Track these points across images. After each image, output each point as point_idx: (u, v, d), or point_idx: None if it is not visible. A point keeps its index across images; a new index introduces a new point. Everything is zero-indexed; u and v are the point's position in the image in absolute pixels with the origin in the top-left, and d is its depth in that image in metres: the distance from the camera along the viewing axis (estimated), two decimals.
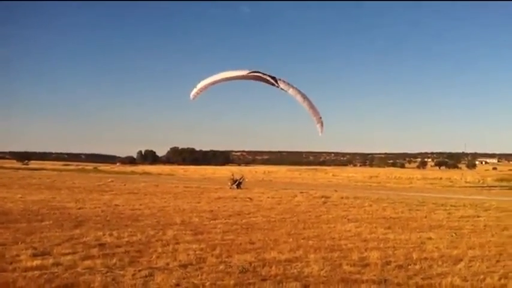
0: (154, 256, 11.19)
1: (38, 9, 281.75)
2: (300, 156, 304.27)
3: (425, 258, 11.64)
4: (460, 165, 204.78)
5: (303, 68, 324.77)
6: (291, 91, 30.22)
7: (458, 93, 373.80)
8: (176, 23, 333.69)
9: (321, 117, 31.48)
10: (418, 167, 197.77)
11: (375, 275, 9.86)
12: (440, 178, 72.78)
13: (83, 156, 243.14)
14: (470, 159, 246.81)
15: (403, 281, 9.47)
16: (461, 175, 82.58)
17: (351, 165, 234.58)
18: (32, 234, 13.97)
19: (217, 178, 62.90)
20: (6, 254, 11.14)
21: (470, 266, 10.91)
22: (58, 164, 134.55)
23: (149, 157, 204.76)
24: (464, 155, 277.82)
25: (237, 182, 39.77)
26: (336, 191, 37.22)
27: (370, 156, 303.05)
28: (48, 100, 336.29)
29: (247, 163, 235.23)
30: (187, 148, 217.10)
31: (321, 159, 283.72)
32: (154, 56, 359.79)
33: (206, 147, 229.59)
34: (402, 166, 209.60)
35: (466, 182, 64.20)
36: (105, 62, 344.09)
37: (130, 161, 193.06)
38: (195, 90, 33.75)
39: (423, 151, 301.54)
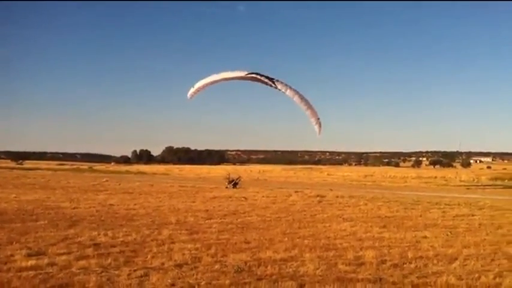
0: (149, 256, 11.17)
1: (34, 9, 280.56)
2: (295, 155, 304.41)
3: (421, 257, 11.67)
4: (454, 164, 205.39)
5: (299, 67, 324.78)
6: (288, 92, 30.22)
7: (453, 92, 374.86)
8: (172, 23, 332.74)
9: (318, 118, 31.52)
10: (413, 166, 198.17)
11: (370, 274, 9.87)
12: (435, 177, 72.93)
13: (78, 156, 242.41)
14: (465, 158, 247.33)
15: (399, 280, 9.49)
16: (455, 174, 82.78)
17: (346, 164, 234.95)
18: (27, 234, 13.92)
19: (212, 177, 62.85)
20: (0, 254, 11.10)
21: (465, 265, 10.94)
22: (53, 164, 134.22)
23: (144, 157, 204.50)
24: (458, 153, 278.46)
25: (233, 182, 39.73)
26: (331, 190, 37.26)
27: (365, 155, 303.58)
28: (43, 100, 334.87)
29: (243, 162, 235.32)
30: (182, 147, 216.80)
31: (316, 158, 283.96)
32: (150, 56, 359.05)
33: (201, 147, 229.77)
34: (397, 165, 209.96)
35: (461, 181, 64.39)
36: (100, 62, 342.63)
37: (125, 160, 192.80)
38: (192, 90, 33.76)
39: (418, 150, 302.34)
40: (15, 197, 25.44)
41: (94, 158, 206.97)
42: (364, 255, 11.75)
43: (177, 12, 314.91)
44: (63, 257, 10.78)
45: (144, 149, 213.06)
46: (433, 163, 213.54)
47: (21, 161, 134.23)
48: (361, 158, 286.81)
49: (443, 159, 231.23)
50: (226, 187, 38.43)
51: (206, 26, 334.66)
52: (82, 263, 10.27)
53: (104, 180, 46.66)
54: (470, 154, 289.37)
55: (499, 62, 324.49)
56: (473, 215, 21.30)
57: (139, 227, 15.77)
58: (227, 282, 9.06)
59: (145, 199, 26.40)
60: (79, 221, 16.98)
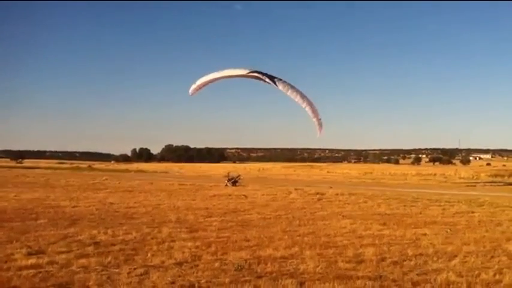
0: (149, 254, 11.15)
1: (33, 8, 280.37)
2: (295, 152, 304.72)
3: (420, 254, 11.66)
4: (454, 161, 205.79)
5: (297, 65, 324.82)
6: (289, 92, 30.18)
7: (452, 89, 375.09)
8: (171, 22, 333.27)
9: (320, 119, 31.52)
10: (413, 163, 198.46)
11: (370, 272, 9.86)
12: (435, 174, 73.02)
13: (77, 155, 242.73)
14: (465, 155, 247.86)
15: (399, 277, 9.48)
16: (455, 171, 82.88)
17: (346, 162, 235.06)
18: (27, 233, 13.91)
19: (212, 175, 62.87)
20: (0, 253, 11.07)
21: (465, 262, 10.93)
22: (52, 163, 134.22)
23: (144, 155, 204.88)
24: (458, 151, 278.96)
25: (233, 180, 39.75)
26: (330, 187, 37.26)
27: (364, 152, 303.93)
28: (42, 99, 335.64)
29: (242, 160, 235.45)
30: (182, 146, 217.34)
31: (316, 156, 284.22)
32: (149, 55, 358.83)
33: (201, 145, 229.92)
34: (397, 162, 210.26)
35: (460, 178, 64.42)
36: (100, 61, 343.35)
37: (124, 159, 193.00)
38: (194, 86, 33.82)
39: (417, 147, 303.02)
40: (15, 196, 25.44)
41: (94, 157, 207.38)
42: (364, 252, 11.75)
43: (176, 11, 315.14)
44: (63, 256, 10.77)
45: (144, 147, 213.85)
46: (433, 160, 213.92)
47: (20, 159, 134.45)
48: (361, 155, 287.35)
49: (443, 156, 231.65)
50: (226, 185, 38.43)
51: (204, 25, 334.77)
52: (82, 261, 10.26)
53: (104, 178, 46.66)
54: (469, 151, 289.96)
55: (498, 59, 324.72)
56: (473, 212, 21.29)
57: (139, 225, 15.76)
58: (227, 280, 9.06)
59: (145, 197, 26.40)
60: (79, 220, 16.97)
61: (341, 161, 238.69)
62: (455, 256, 11.49)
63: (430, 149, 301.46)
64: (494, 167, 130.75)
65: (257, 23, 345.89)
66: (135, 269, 9.74)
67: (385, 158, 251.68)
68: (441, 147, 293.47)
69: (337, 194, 29.50)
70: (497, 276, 9.65)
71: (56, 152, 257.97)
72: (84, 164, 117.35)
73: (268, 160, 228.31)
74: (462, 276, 9.60)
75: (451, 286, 9.02)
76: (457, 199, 27.50)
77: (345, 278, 9.36)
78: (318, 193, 29.91)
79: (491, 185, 48.80)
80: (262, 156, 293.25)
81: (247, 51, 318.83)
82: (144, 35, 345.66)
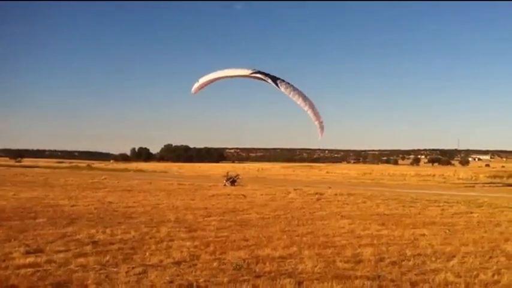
0: (147, 253, 11.15)
1: (32, 7, 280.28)
2: (294, 153, 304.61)
3: (419, 255, 11.67)
4: (453, 162, 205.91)
5: (296, 65, 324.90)
6: (291, 94, 30.12)
7: (451, 90, 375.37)
8: (171, 22, 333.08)
9: (322, 122, 31.50)
10: (412, 163, 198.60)
11: (368, 271, 9.87)
12: (434, 175, 73.02)
13: (76, 154, 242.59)
14: (464, 156, 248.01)
15: (397, 277, 9.49)
16: (454, 172, 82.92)
17: (345, 162, 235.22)
18: (25, 231, 13.90)
19: (211, 175, 62.86)
20: None
21: (464, 262, 10.94)
22: (51, 162, 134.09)
23: (143, 154, 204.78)
24: (457, 151, 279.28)
25: (231, 180, 39.75)
26: (329, 187, 37.25)
27: (363, 153, 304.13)
28: (42, 98, 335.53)
29: (241, 160, 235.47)
30: (181, 145, 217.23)
31: (315, 156, 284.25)
32: (149, 55, 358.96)
33: (200, 145, 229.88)
34: (396, 163, 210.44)
35: (459, 179, 64.44)
36: (99, 60, 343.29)
37: (124, 158, 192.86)
38: (197, 85, 33.84)
39: (417, 148, 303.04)
40: (14, 195, 25.42)
41: (93, 156, 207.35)
42: (362, 252, 11.75)
43: (176, 11, 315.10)
44: (62, 255, 10.76)
45: (143, 147, 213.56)
46: (432, 161, 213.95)
47: (19, 158, 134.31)
48: (360, 156, 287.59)
49: (442, 157, 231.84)
50: (224, 185, 38.42)
51: (204, 25, 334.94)
52: (80, 260, 10.25)
53: (103, 178, 46.63)
54: (468, 152, 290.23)
55: (497, 60, 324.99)
56: (471, 213, 21.30)
57: (138, 225, 15.75)
58: (225, 279, 9.06)
59: (144, 197, 26.38)
60: (77, 219, 16.96)
61: (340, 162, 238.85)
62: (454, 256, 11.50)
63: (429, 149, 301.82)
64: (493, 168, 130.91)
65: (257, 23, 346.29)
66: (133, 268, 9.73)
67: (384, 158, 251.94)
68: (440, 148, 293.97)
69: (336, 194, 29.51)
70: (495, 277, 9.65)
71: (55, 151, 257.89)
72: (83, 163, 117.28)
73: (267, 160, 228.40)
74: (460, 277, 9.60)
75: (449, 286, 9.03)
76: (456, 200, 27.51)
77: (343, 277, 9.36)
78: (317, 193, 29.92)
79: (490, 186, 48.84)
80: (261, 156, 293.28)
81: (247, 51, 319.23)
82: (143, 34, 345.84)
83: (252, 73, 30.39)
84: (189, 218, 17.99)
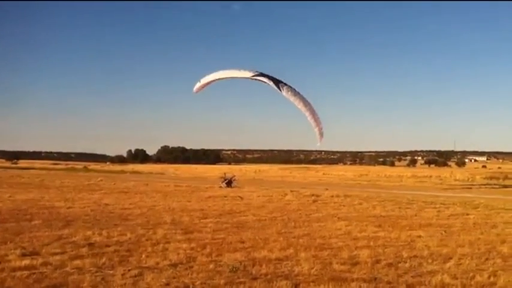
0: (144, 255, 11.13)
1: (30, 7, 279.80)
2: (291, 154, 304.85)
3: (415, 256, 11.67)
4: (449, 163, 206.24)
5: (294, 66, 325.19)
6: (293, 99, 30.18)
7: (448, 91, 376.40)
8: (168, 22, 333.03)
9: (322, 128, 31.59)
10: (408, 165, 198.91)
11: (365, 273, 9.87)
12: (430, 176, 73.07)
13: (72, 156, 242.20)
14: (460, 157, 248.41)
15: (393, 279, 9.49)
16: (450, 173, 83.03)
17: (341, 164, 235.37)
18: (21, 233, 13.86)
19: (208, 177, 62.82)
20: None
21: (460, 264, 10.95)
22: (47, 163, 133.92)
23: (139, 156, 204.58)
24: (453, 153, 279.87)
25: (227, 181, 39.71)
26: (326, 189, 37.27)
27: (360, 154, 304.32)
28: (38, 100, 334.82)
29: (238, 162, 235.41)
30: (178, 147, 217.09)
31: (312, 158, 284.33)
32: (146, 55, 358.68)
33: (197, 146, 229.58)
34: (392, 164, 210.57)
35: (456, 180, 64.55)
36: (96, 61, 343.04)
37: (120, 160, 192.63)
38: (198, 85, 33.96)
39: (413, 149, 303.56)
40: (10, 197, 25.36)
41: (89, 158, 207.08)
42: (359, 254, 11.74)
43: (173, 11, 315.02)
44: (58, 257, 10.73)
45: (140, 148, 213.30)
46: (428, 162, 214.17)
47: (15, 160, 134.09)
48: (357, 157, 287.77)
49: (439, 158, 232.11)
50: (220, 186, 38.36)
51: (202, 25, 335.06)
52: (76, 262, 10.22)
53: (99, 179, 46.58)
54: (465, 153, 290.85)
55: (494, 61, 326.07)
56: (468, 214, 21.33)
57: (134, 227, 15.73)
58: (222, 281, 9.05)
59: (141, 198, 26.34)
60: (73, 221, 16.92)
61: (337, 163, 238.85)
62: (450, 258, 11.51)
63: (426, 151, 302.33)
64: (489, 169, 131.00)
65: (255, 23, 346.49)
66: (129, 270, 9.71)
67: (381, 160, 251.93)
68: (437, 149, 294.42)
69: (332, 196, 29.51)
70: (491, 279, 9.66)
71: (51, 152, 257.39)
72: (79, 165, 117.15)
73: (264, 162, 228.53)
74: (457, 279, 9.61)
75: None
76: (452, 201, 27.53)
77: (340, 280, 9.35)
78: (313, 195, 29.92)
79: (486, 188, 48.91)
80: (258, 157, 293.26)
81: (245, 51, 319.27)
82: (141, 35, 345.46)
83: (253, 75, 30.44)
84: (185, 219, 17.96)
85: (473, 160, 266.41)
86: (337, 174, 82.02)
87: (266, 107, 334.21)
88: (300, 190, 34.57)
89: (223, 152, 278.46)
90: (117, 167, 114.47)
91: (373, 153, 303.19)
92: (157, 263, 10.38)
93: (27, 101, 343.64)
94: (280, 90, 30.07)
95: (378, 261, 11.01)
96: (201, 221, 17.74)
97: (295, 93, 30.39)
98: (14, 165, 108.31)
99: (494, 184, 55.82)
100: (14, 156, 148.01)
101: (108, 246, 12.28)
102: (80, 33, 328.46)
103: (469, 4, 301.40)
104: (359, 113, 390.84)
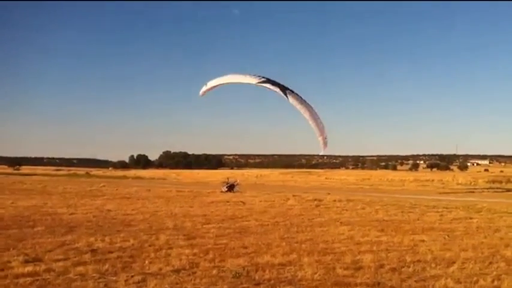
0: (147, 261, 11.11)
1: (32, 11, 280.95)
2: (293, 159, 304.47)
3: (419, 261, 11.64)
4: (452, 167, 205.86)
5: (295, 70, 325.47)
6: (299, 107, 30.21)
7: (450, 95, 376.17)
8: (170, 28, 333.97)
9: (326, 137, 31.61)
10: (410, 169, 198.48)
11: (368, 278, 9.84)
12: (432, 180, 73.05)
13: (75, 161, 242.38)
14: (462, 161, 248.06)
15: (397, 284, 9.47)
16: (453, 177, 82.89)
17: (344, 168, 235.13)
18: (24, 240, 13.86)
19: (210, 182, 62.79)
20: None
21: (463, 268, 10.92)
22: (50, 169, 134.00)
23: (141, 161, 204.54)
24: (455, 156, 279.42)
25: (229, 185, 39.70)
26: (328, 193, 37.22)
27: (362, 158, 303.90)
28: (40, 105, 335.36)
29: (240, 166, 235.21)
30: (180, 152, 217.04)
31: (314, 162, 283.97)
32: (148, 61, 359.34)
33: (199, 151, 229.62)
34: (394, 168, 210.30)
35: (458, 184, 64.46)
36: (98, 67, 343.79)
37: (122, 165, 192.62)
38: (204, 88, 34.08)
39: (415, 153, 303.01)
40: (12, 203, 25.36)
41: (91, 163, 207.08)
42: (362, 259, 11.72)
43: (174, 17, 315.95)
44: (60, 263, 10.71)
45: (142, 153, 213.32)
46: (431, 166, 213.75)
47: (18, 166, 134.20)
48: (359, 162, 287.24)
49: (441, 162, 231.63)
50: (222, 191, 38.33)
51: (202, 31, 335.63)
52: (79, 269, 10.21)
53: (101, 185, 46.59)
54: (467, 157, 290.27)
55: (495, 64, 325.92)
56: (471, 218, 21.30)
57: (137, 233, 15.72)
58: (225, 287, 9.04)
59: (143, 204, 26.33)
60: (76, 227, 16.92)
61: (339, 167, 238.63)
62: (454, 262, 11.48)
63: (428, 155, 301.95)
64: (492, 173, 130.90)
65: (254, 28, 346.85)
66: (132, 276, 9.69)
67: (383, 164, 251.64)
68: (439, 153, 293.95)
69: (335, 201, 29.48)
70: (495, 283, 9.64)
71: (53, 158, 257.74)
72: (81, 171, 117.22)
73: (266, 166, 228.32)
74: (460, 283, 9.59)
75: None
76: (455, 205, 27.51)
77: (343, 285, 9.34)
78: (315, 199, 29.89)
79: (489, 191, 48.82)
80: (260, 162, 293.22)
81: (245, 56, 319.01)
82: (143, 41, 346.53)
83: (259, 82, 30.46)
84: (187, 225, 17.95)
85: (475, 164, 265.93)
86: (339, 178, 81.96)
87: (268, 112, 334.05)
88: (302, 195, 34.54)
89: (225, 157, 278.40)
90: (119, 173, 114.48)
91: (375, 158, 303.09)
92: (160, 269, 10.37)
93: (29, 107, 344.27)
94: (286, 97, 30.09)
95: (381, 266, 10.99)
96: (204, 226, 17.72)
97: (302, 101, 30.43)
98: (16, 172, 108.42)
99: (497, 188, 55.76)
100: (16, 162, 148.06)
101: (111, 252, 12.26)
102: (82, 38, 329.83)
103: (470, 6, 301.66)
104: (361, 117, 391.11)
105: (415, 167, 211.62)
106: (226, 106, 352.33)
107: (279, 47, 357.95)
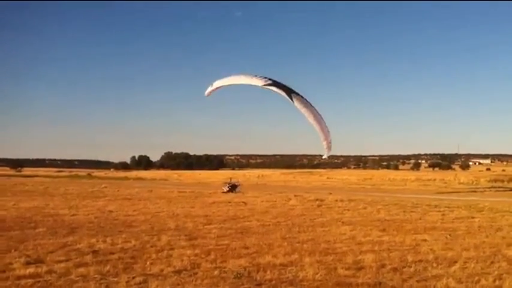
0: (148, 262, 11.11)
1: (32, 13, 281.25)
2: (294, 159, 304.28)
3: (420, 261, 11.63)
4: (453, 166, 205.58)
5: (296, 71, 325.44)
6: (304, 110, 30.24)
7: (451, 94, 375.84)
8: (172, 29, 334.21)
9: (330, 141, 31.65)
10: (412, 168, 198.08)
11: (369, 278, 9.83)
12: (434, 179, 72.98)
13: (76, 163, 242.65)
14: (464, 160, 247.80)
15: (398, 284, 9.46)
16: (455, 176, 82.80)
17: (345, 168, 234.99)
18: (25, 241, 13.86)
19: (211, 183, 62.80)
20: None
21: (465, 268, 10.90)
22: (51, 171, 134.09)
23: (143, 162, 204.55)
24: (457, 156, 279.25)
25: (231, 185, 39.67)
26: (330, 193, 37.19)
27: (364, 158, 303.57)
28: (41, 107, 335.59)
29: (242, 167, 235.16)
30: (181, 153, 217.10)
31: (315, 162, 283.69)
32: (149, 62, 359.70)
33: (200, 152, 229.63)
34: (396, 168, 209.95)
35: (460, 183, 64.37)
36: (98, 68, 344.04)
37: (124, 166, 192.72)
38: (210, 88, 34.14)
39: (417, 152, 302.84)
40: (14, 205, 25.37)
41: (93, 165, 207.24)
42: (363, 259, 11.71)
43: (176, 18, 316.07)
44: (62, 265, 10.72)
45: (143, 154, 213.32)
46: (432, 165, 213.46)
47: (19, 168, 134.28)
48: (360, 161, 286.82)
49: (442, 161, 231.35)
50: (223, 191, 38.31)
51: (204, 32, 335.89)
52: (81, 270, 10.21)
53: (103, 186, 46.63)
54: (469, 156, 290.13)
55: (497, 64, 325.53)
56: (472, 218, 21.27)
57: (139, 233, 15.72)
58: None
59: (145, 205, 26.34)
60: (78, 228, 16.93)
61: (340, 167, 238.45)
62: (455, 262, 11.46)
63: (430, 154, 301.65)
64: (494, 172, 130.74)
65: (257, 29, 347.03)
66: (134, 277, 9.70)
67: (385, 163, 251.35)
68: (440, 152, 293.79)
69: (336, 200, 29.48)
70: (497, 282, 9.62)
71: (55, 160, 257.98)
72: (83, 172, 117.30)
73: (267, 167, 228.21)
74: (462, 283, 9.58)
75: None
76: (457, 204, 27.48)
77: (345, 285, 9.34)
78: (317, 199, 29.88)
79: (491, 190, 48.76)
80: (261, 162, 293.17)
81: (247, 57, 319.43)
82: (145, 42, 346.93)
83: (265, 84, 30.48)
84: (189, 225, 17.95)
85: (477, 163, 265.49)
86: (340, 178, 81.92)
87: (270, 112, 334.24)
88: (303, 195, 34.52)
89: (227, 157, 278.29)
90: (121, 174, 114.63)
91: (376, 157, 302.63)
92: (162, 270, 10.36)
93: (30, 109, 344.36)
94: (292, 100, 30.10)
95: (382, 266, 10.97)
96: (205, 227, 17.73)
97: (307, 104, 30.46)
98: (18, 173, 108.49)
99: (499, 187, 55.68)
100: (18, 164, 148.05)
101: (113, 253, 12.27)
102: (83, 39, 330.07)
103: (471, 7, 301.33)
104: (362, 117, 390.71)
105: (417, 166, 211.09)
106: (228, 106, 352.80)
107: (279, 47, 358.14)
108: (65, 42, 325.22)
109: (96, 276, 9.79)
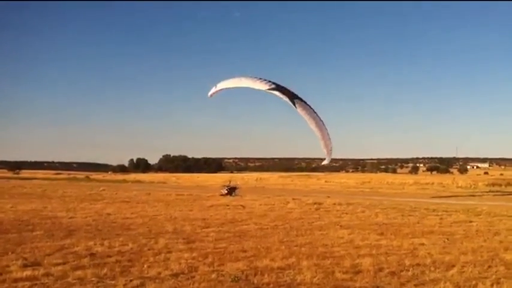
0: (145, 265, 11.09)
1: (31, 15, 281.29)
2: (293, 162, 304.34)
3: (418, 264, 11.63)
4: (451, 170, 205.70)
5: (295, 73, 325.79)
6: (307, 117, 30.25)
7: (449, 98, 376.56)
8: (170, 30, 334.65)
9: (331, 148, 31.71)
10: (410, 172, 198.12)
11: (367, 282, 9.83)
12: (432, 183, 72.90)
13: (74, 165, 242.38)
14: (462, 164, 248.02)
15: None
16: (453, 180, 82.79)
17: (343, 171, 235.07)
18: (23, 244, 13.84)
19: (209, 186, 62.73)
20: None
21: (463, 272, 10.90)
22: (49, 173, 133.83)
23: (141, 165, 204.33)
24: (455, 159, 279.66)
25: (229, 188, 39.53)
26: (328, 197, 37.20)
27: (362, 161, 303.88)
28: (39, 109, 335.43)
29: (240, 170, 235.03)
30: (180, 156, 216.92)
31: (314, 165, 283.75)
32: (147, 64, 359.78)
33: (198, 155, 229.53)
34: (394, 171, 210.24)
35: (458, 187, 64.38)
36: (97, 70, 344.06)
37: (122, 169, 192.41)
38: (214, 90, 34.12)
39: (415, 156, 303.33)
40: (12, 207, 25.34)
41: (91, 167, 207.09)
42: (361, 263, 11.70)
43: (175, 19, 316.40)
44: (59, 267, 10.70)
45: (141, 157, 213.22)
46: (430, 169, 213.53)
47: (17, 170, 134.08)
48: (359, 165, 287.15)
49: (440, 165, 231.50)
50: (221, 194, 38.22)
51: (203, 33, 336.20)
52: (78, 273, 10.19)
53: (101, 189, 46.55)
54: (467, 160, 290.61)
55: (495, 67, 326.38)
56: (470, 222, 21.28)
57: (136, 236, 15.70)
58: None
59: (142, 208, 26.31)
60: (75, 231, 16.90)
61: (338, 171, 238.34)
62: (453, 266, 11.46)
63: (428, 158, 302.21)
64: (492, 176, 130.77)
65: (255, 30, 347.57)
66: (131, 280, 9.68)
67: (383, 167, 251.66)
68: (439, 156, 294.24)
69: (334, 204, 29.47)
70: (494, 286, 9.63)
71: (53, 162, 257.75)
72: (81, 175, 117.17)
73: (265, 170, 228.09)
74: (459, 287, 9.59)
75: None
76: (455, 208, 27.48)
77: None
78: (315, 203, 29.87)
79: (489, 194, 48.77)
80: (259, 165, 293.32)
81: (246, 58, 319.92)
82: (143, 43, 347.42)
83: (269, 88, 30.46)
84: (187, 229, 17.93)
85: (475, 167, 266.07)
86: (339, 181, 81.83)
87: (268, 115, 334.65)
88: (301, 198, 34.52)
89: (225, 160, 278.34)
90: (119, 177, 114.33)
91: (375, 161, 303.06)
92: (159, 273, 10.35)
93: (28, 111, 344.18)
94: (294, 106, 30.10)
95: (380, 270, 10.97)
96: (203, 230, 17.71)
97: (310, 111, 30.47)
98: (16, 176, 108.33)
99: (497, 191, 55.67)
100: (16, 166, 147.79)
101: (110, 256, 12.24)
102: (81, 41, 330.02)
103: (471, 7, 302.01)
104: (361, 120, 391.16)
105: (415, 170, 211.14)
106: (226, 109, 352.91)
107: (277, 47, 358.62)
108: (64, 44, 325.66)
109: (93, 279, 9.77)
